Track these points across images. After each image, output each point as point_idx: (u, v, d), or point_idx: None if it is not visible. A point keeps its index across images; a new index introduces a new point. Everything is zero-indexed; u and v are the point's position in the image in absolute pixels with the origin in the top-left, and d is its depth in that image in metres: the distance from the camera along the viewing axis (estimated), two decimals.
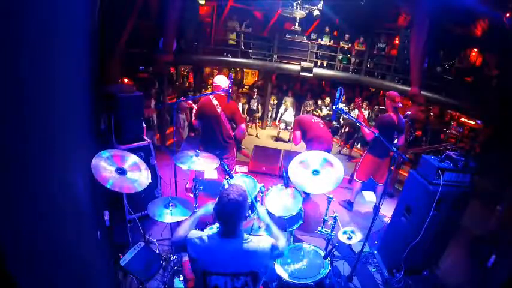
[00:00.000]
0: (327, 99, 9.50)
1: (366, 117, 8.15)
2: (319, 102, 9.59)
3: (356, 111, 8.24)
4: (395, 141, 4.15)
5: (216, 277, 1.62)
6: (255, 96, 9.40)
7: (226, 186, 3.02)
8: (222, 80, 3.75)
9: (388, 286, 3.22)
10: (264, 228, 2.88)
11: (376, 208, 2.94)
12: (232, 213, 1.61)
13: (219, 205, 1.64)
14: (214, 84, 3.81)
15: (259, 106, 9.58)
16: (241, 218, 1.66)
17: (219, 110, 3.73)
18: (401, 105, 4.19)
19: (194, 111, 3.98)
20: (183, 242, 1.69)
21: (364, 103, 8.65)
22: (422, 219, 2.96)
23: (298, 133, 4.50)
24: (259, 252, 1.64)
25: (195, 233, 1.71)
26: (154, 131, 7.07)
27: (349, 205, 4.75)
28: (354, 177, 4.58)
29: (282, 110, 9.56)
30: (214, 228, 2.68)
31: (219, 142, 3.85)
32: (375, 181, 4.48)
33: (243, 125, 3.95)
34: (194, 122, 3.99)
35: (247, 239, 1.66)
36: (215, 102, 3.74)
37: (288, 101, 9.55)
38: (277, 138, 9.39)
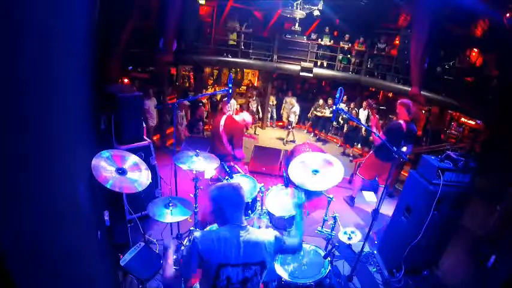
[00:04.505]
0: (330, 101, 9.49)
1: (366, 118, 8.16)
2: (321, 101, 9.58)
3: (366, 111, 8.20)
4: (404, 149, 4.11)
5: (228, 269, 1.64)
6: (254, 98, 9.41)
7: None
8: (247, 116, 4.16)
9: (388, 286, 3.22)
10: (263, 228, 2.89)
11: (376, 211, 2.93)
12: (230, 200, 1.68)
13: (219, 192, 1.70)
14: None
15: (259, 107, 9.59)
16: (240, 206, 1.71)
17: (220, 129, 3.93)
18: (412, 111, 4.14)
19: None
20: (192, 246, 1.62)
21: (364, 103, 8.62)
22: (422, 219, 2.96)
23: None
24: (266, 243, 1.69)
25: (201, 232, 1.72)
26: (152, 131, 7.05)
27: (351, 200, 4.84)
28: (357, 172, 4.68)
29: (288, 108, 9.51)
30: (214, 228, 2.69)
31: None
32: (378, 182, 4.52)
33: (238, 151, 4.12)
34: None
35: (253, 230, 1.72)
36: (222, 122, 3.96)
37: (289, 100, 9.53)
38: (282, 140, 9.31)
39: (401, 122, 4.04)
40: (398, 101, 4.25)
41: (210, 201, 1.72)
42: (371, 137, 6.30)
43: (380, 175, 4.46)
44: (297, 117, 9.34)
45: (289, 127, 9.18)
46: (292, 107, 9.29)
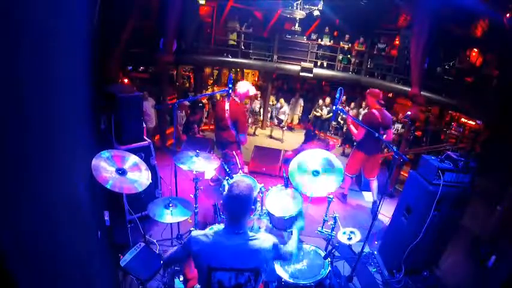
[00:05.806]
0: (327, 100, 9.54)
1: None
2: (320, 102, 9.61)
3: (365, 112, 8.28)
4: (384, 137, 4.22)
5: (220, 272, 1.64)
6: (258, 99, 9.47)
7: (226, 187, 3.03)
8: (242, 86, 4.15)
9: (388, 286, 3.22)
10: (263, 229, 2.89)
11: (375, 204, 2.94)
12: (239, 207, 1.65)
13: (227, 198, 1.68)
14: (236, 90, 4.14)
15: (261, 109, 9.66)
16: (248, 212, 1.70)
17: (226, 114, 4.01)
18: (383, 101, 4.34)
19: None
20: (187, 242, 1.71)
21: (352, 103, 8.68)
22: (422, 220, 2.96)
23: None
24: (262, 250, 1.68)
25: (199, 232, 1.73)
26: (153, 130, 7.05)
27: (343, 198, 4.91)
28: (344, 172, 4.75)
29: (278, 106, 9.82)
30: (215, 228, 2.69)
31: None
32: (364, 176, 4.62)
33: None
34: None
35: (252, 236, 1.70)
36: (227, 107, 4.02)
37: (282, 100, 9.80)
38: (271, 136, 9.46)
39: (374, 111, 4.14)
40: (367, 91, 4.41)
41: (225, 196, 1.74)
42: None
43: (364, 168, 4.60)
44: (286, 117, 9.67)
45: (281, 126, 9.52)
46: (281, 107, 9.66)
